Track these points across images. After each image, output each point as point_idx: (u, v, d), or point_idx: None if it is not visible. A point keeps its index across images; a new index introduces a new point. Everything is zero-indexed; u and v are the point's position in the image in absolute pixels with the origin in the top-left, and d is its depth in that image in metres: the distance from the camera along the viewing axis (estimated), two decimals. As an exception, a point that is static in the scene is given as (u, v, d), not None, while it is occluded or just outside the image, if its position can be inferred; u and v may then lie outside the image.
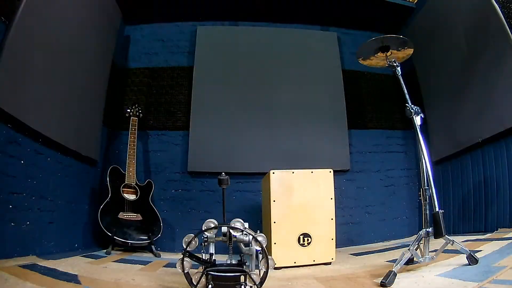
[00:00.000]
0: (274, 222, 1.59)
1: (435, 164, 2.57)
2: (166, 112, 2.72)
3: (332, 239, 1.64)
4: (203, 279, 0.99)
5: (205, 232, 1.03)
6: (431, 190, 1.27)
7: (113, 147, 2.59)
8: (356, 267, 1.51)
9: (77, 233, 2.02)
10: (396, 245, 2.13)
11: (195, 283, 1.00)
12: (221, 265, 1.01)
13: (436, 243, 1.25)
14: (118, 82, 2.70)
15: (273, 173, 1.64)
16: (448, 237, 1.21)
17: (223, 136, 2.56)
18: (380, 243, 2.43)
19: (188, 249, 1.01)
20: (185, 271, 1.02)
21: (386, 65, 1.60)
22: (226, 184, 1.09)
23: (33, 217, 1.60)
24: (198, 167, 2.57)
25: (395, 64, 1.55)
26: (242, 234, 1.03)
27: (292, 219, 1.61)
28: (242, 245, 1.05)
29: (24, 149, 1.57)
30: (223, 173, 1.09)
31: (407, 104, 1.42)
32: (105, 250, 1.92)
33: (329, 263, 1.61)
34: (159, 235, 2.13)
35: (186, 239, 1.03)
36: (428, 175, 1.30)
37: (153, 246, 2.06)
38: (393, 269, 1.13)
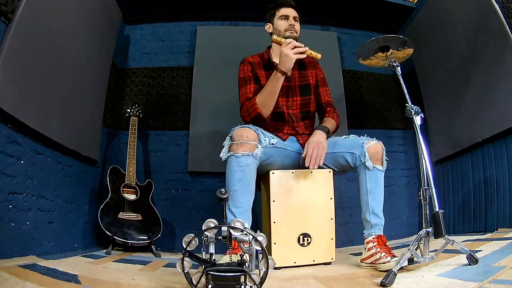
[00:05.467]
0: (274, 222, 1.59)
1: (435, 164, 2.57)
2: (166, 112, 2.72)
3: (332, 239, 1.64)
4: (203, 279, 0.99)
5: (205, 232, 1.03)
6: (431, 190, 1.27)
7: (113, 147, 2.59)
8: (356, 267, 1.51)
9: (77, 233, 2.02)
10: (396, 245, 2.13)
11: (195, 283, 1.00)
12: (221, 265, 1.01)
13: (436, 243, 1.25)
14: (118, 82, 2.70)
15: (273, 173, 1.64)
16: (448, 237, 1.20)
17: (223, 136, 2.56)
18: (380, 243, 2.42)
19: (188, 249, 1.01)
20: (185, 271, 1.02)
21: (386, 65, 1.60)
22: (227, 201, 1.07)
23: (33, 217, 1.60)
24: (198, 167, 2.58)
25: (395, 64, 1.55)
26: (242, 234, 1.03)
27: (292, 219, 1.61)
28: (242, 245, 1.04)
29: (24, 149, 1.57)
30: (222, 190, 1.03)
31: (407, 104, 1.42)
32: (105, 250, 1.92)
33: (329, 263, 1.61)
34: (159, 235, 2.13)
35: (186, 239, 1.02)
36: (428, 175, 1.30)
37: (153, 246, 2.06)
38: (393, 269, 1.13)
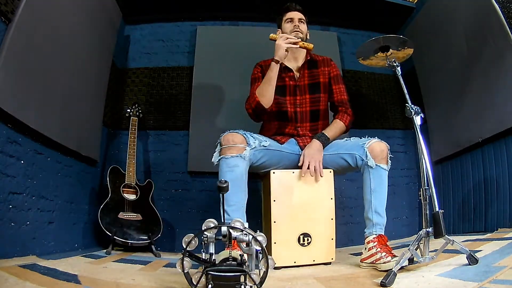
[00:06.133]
0: (274, 222, 1.59)
1: (435, 164, 2.57)
2: (166, 112, 2.72)
3: (332, 239, 1.64)
4: (203, 279, 0.99)
5: (205, 232, 1.03)
6: (431, 190, 1.27)
7: (113, 147, 2.59)
8: (356, 267, 1.51)
9: (77, 233, 2.02)
10: (396, 245, 2.13)
11: (195, 283, 1.00)
12: (221, 265, 1.01)
13: (436, 243, 1.25)
14: (118, 82, 2.70)
15: (273, 173, 1.64)
16: (448, 237, 1.21)
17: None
18: (380, 243, 2.42)
19: (188, 249, 1.01)
20: (185, 271, 1.02)
21: (386, 65, 1.60)
22: (227, 191, 1.08)
23: (33, 217, 1.60)
24: (198, 167, 2.57)
25: (395, 64, 1.55)
26: (242, 234, 1.03)
27: (292, 219, 1.61)
28: (242, 245, 1.04)
29: (24, 149, 1.57)
30: (223, 180, 1.06)
31: (407, 104, 1.42)
32: (105, 250, 1.92)
33: (329, 263, 1.61)
34: (159, 235, 2.13)
35: (186, 239, 1.03)
36: (428, 175, 1.30)
37: (153, 246, 2.06)
38: (393, 269, 1.13)
